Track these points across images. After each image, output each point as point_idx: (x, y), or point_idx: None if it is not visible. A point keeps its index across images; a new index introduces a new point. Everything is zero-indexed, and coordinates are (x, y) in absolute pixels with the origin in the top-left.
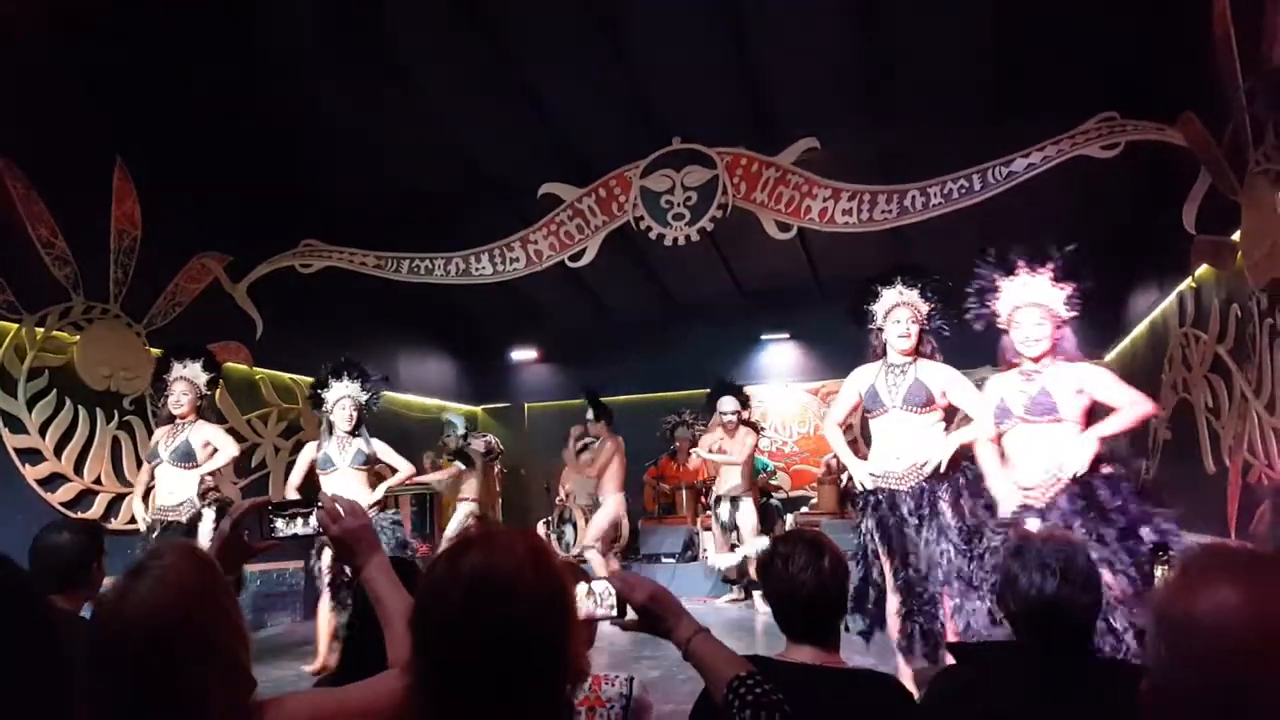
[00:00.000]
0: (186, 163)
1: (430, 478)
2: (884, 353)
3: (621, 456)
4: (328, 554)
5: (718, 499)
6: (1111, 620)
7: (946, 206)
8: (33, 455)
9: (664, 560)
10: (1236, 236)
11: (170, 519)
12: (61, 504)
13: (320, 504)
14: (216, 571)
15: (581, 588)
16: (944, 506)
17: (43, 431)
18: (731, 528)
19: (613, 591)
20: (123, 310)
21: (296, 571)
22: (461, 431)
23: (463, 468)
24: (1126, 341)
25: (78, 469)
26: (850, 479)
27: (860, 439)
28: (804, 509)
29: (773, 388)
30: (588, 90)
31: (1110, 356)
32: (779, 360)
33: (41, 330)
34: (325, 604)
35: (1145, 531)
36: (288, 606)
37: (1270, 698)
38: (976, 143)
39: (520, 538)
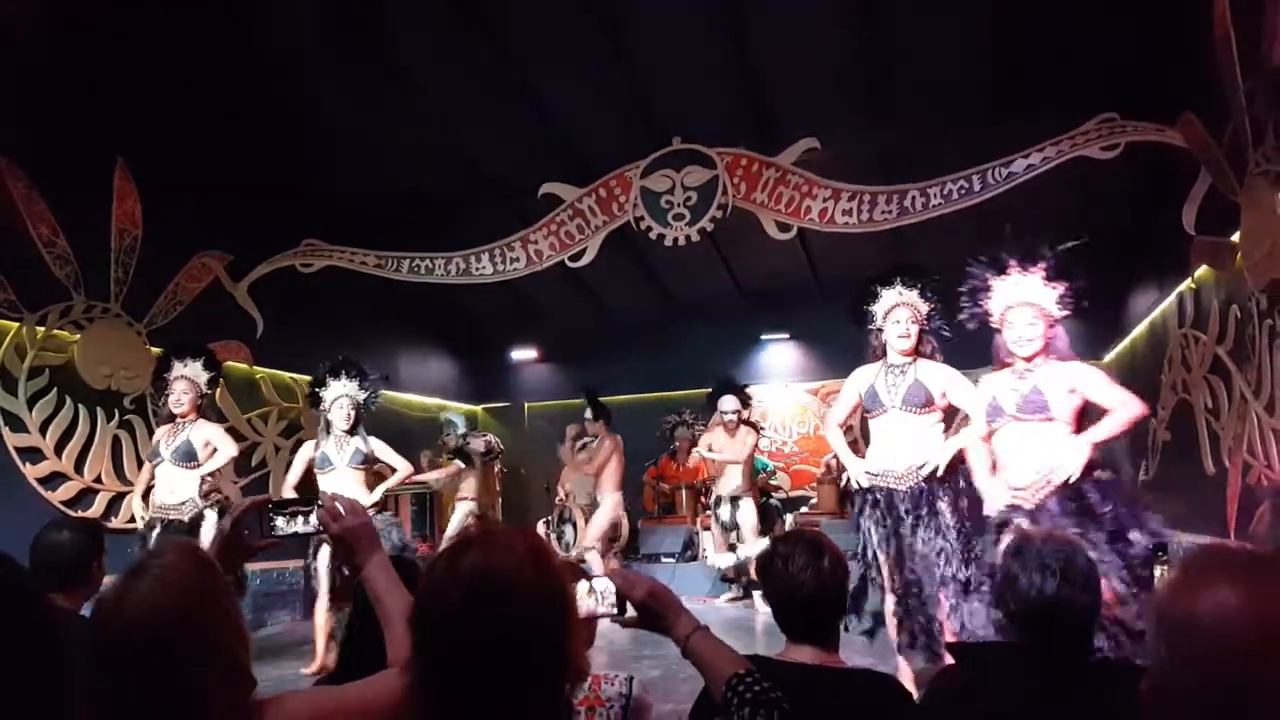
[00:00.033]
0: (187, 162)
1: (428, 476)
2: (884, 353)
3: (620, 455)
4: (324, 553)
5: (718, 499)
6: (1104, 624)
7: (946, 207)
8: (33, 454)
9: (664, 560)
10: (1236, 237)
11: (171, 517)
12: (62, 502)
13: (320, 502)
14: (217, 571)
15: (583, 585)
16: (942, 507)
17: (43, 430)
18: (732, 528)
19: (614, 589)
20: (123, 309)
21: (296, 571)
22: (461, 431)
23: (461, 465)
24: (1126, 342)
25: (78, 468)
26: (849, 478)
27: (861, 439)
28: (804, 509)
29: (773, 388)
30: (588, 90)
31: (1110, 357)
32: (779, 360)
33: (42, 329)
34: (322, 605)
35: (1135, 535)
36: (287, 606)
37: (1270, 698)
38: (976, 143)
39: (520, 537)
